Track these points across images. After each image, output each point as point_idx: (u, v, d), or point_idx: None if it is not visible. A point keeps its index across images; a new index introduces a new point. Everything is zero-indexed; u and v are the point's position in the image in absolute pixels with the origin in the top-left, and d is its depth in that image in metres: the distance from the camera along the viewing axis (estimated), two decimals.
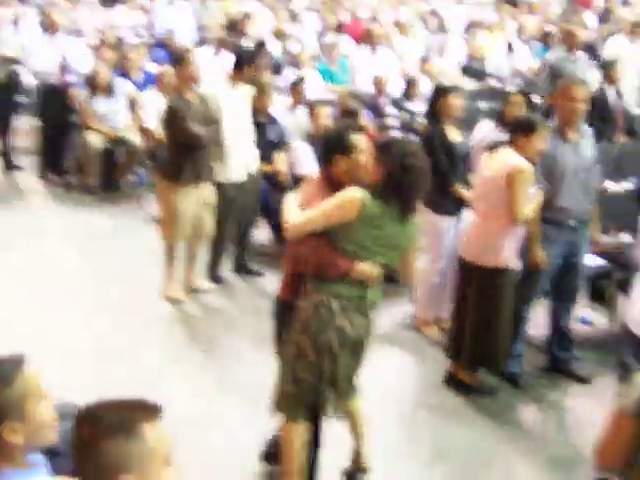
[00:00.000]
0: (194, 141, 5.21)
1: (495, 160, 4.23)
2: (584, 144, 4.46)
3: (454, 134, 4.99)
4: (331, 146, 3.32)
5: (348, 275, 3.17)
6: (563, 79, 5.09)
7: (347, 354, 3.24)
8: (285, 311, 3.36)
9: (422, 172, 3.23)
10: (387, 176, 3.16)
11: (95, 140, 7.39)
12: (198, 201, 5.38)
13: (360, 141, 3.28)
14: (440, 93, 4.99)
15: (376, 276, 3.24)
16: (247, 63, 5.48)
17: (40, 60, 7.69)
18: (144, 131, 7.21)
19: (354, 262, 3.17)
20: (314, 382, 3.24)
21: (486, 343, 4.32)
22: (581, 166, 4.39)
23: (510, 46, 10.92)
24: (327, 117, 5.82)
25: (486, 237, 4.24)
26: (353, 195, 3.15)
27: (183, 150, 5.21)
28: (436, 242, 4.99)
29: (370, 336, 3.34)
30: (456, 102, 4.94)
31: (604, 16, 12.64)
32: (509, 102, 5.35)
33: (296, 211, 3.28)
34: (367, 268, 3.19)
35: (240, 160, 5.58)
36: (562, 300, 4.66)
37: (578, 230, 4.48)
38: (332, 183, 3.26)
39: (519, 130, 4.19)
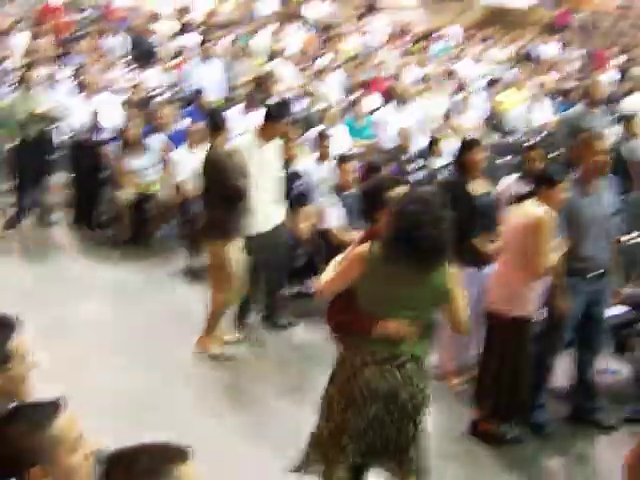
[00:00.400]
0: (238, 193, 5.28)
1: (519, 211, 4.33)
2: (606, 195, 4.56)
3: (479, 187, 5.08)
4: (370, 202, 3.33)
5: (370, 333, 3.13)
6: (585, 132, 5.19)
7: (378, 409, 3.14)
8: None
9: (422, 220, 3.00)
10: (388, 222, 3.10)
11: (126, 195, 7.54)
12: (241, 253, 5.43)
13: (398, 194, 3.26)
14: (466, 147, 5.11)
15: (407, 332, 3.13)
16: (274, 118, 5.54)
17: (74, 117, 7.93)
18: (177, 186, 7.34)
19: (375, 320, 3.11)
20: (337, 434, 3.17)
21: (510, 393, 4.35)
22: (604, 216, 4.48)
23: (530, 102, 11.08)
24: (353, 171, 5.93)
25: (510, 287, 4.29)
26: (359, 249, 3.15)
27: (227, 204, 5.26)
28: None
29: (410, 393, 3.15)
30: (481, 155, 5.07)
31: (622, 73, 12.85)
32: (530, 156, 5.45)
33: (327, 271, 3.30)
34: (392, 326, 3.12)
35: (267, 213, 5.63)
36: (586, 350, 4.68)
37: (601, 280, 4.54)
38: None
39: (542, 182, 4.29)
